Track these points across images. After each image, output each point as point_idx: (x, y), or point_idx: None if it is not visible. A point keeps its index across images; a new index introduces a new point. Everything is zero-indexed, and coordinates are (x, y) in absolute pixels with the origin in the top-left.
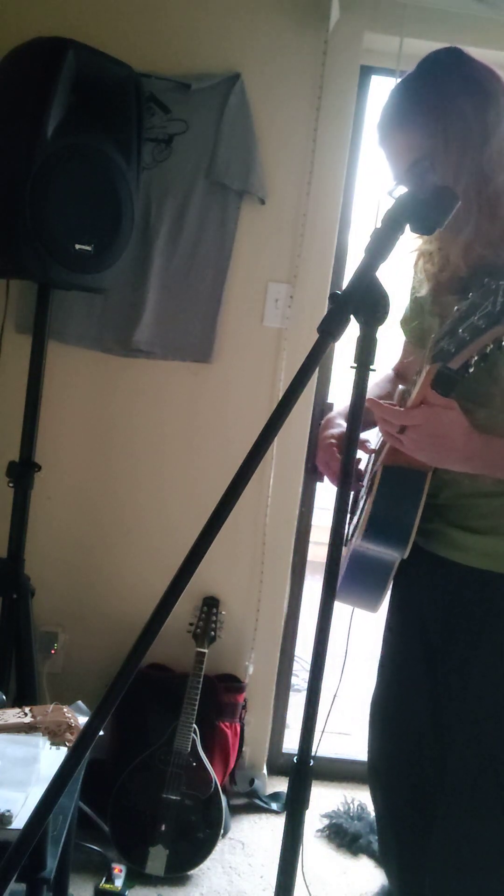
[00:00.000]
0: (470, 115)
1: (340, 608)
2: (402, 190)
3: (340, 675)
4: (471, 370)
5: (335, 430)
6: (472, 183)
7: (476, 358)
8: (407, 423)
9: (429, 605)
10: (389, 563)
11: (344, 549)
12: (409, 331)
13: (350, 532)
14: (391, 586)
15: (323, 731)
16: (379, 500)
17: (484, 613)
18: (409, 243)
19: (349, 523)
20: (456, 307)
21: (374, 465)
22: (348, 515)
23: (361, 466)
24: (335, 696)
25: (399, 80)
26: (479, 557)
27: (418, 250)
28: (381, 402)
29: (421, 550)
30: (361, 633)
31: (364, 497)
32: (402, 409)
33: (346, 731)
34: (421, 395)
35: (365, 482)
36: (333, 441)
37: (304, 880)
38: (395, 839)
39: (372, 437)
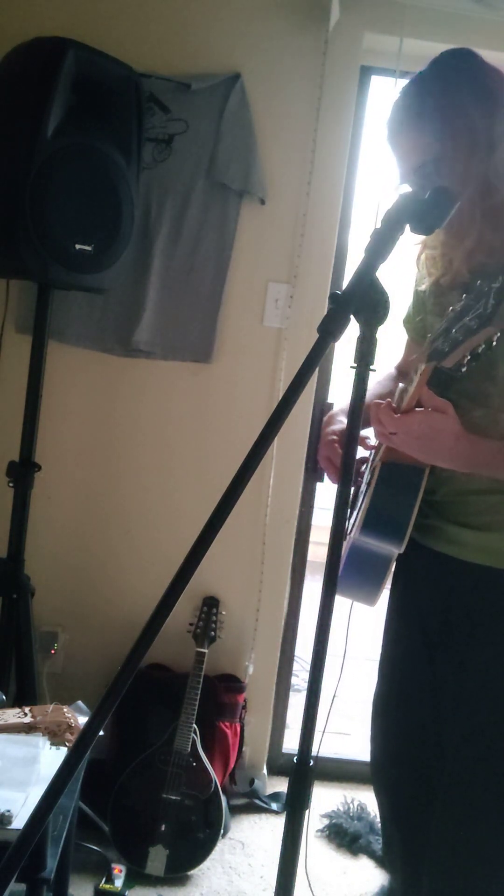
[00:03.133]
0: (478, 123)
1: (339, 608)
2: (407, 188)
3: (339, 674)
4: (463, 369)
5: (336, 427)
6: (477, 191)
7: (468, 357)
8: (399, 431)
9: (427, 601)
10: (387, 557)
11: (344, 543)
12: (411, 328)
13: (350, 526)
14: (390, 581)
15: (324, 732)
16: (377, 495)
17: (480, 608)
18: (412, 241)
19: (349, 517)
20: (451, 307)
21: (373, 460)
22: (349, 511)
23: (362, 463)
24: (334, 696)
25: (411, 77)
26: (475, 552)
27: (421, 245)
28: (380, 402)
29: (419, 546)
30: (361, 633)
31: (364, 492)
32: (398, 414)
33: (346, 731)
34: (417, 394)
35: (365, 478)
36: (335, 437)
37: (308, 880)
38: (398, 836)
39: (372, 433)
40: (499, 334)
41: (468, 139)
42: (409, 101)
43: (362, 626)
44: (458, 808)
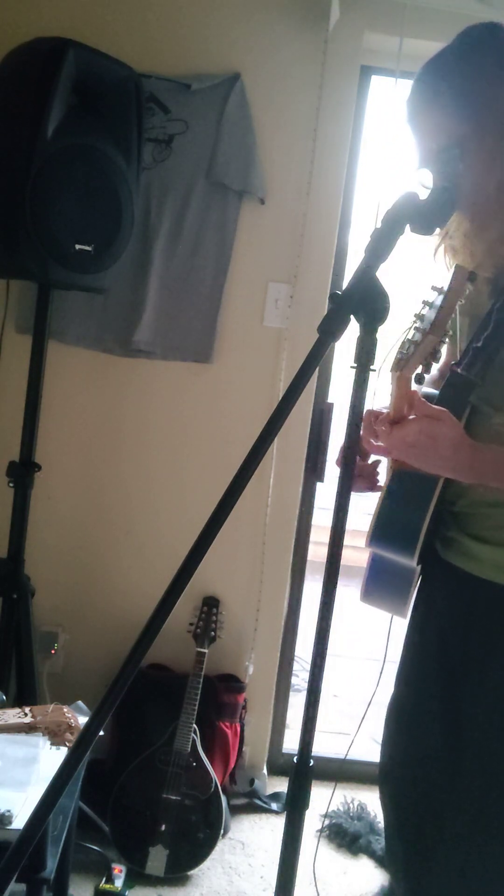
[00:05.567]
0: None
1: (346, 609)
2: (427, 173)
3: (378, 680)
4: (423, 381)
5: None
6: (503, 179)
7: (420, 369)
8: (391, 445)
9: (447, 616)
10: (407, 569)
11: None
12: None
13: None
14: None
15: (355, 735)
16: (386, 504)
17: (497, 629)
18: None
19: None
20: (414, 314)
21: (387, 467)
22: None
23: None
24: (370, 702)
25: (435, 52)
26: (492, 570)
27: (440, 237)
28: (373, 411)
29: (440, 559)
30: (363, 634)
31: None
32: (390, 428)
33: (347, 731)
34: (399, 403)
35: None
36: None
37: (314, 878)
38: (402, 845)
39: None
40: (446, 343)
41: (495, 121)
42: (431, 79)
43: (363, 627)
44: (469, 831)
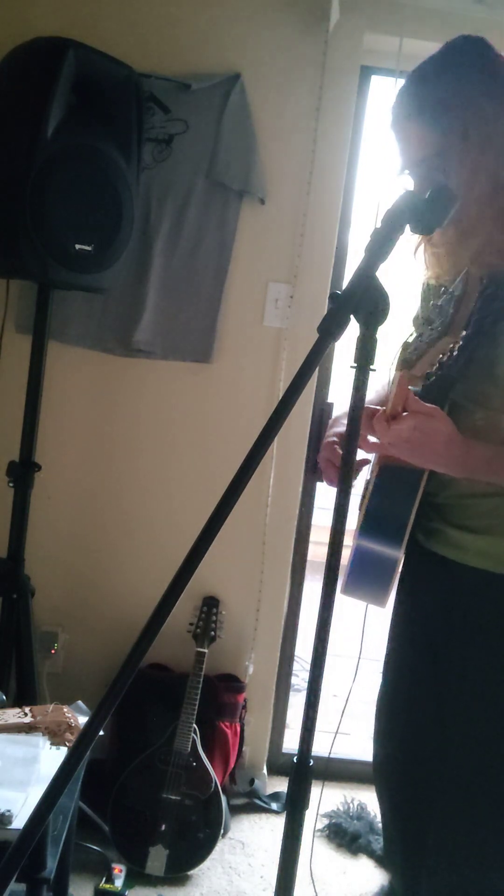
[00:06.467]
0: (490, 119)
1: (345, 609)
2: (408, 181)
3: (354, 676)
4: (432, 378)
5: (339, 429)
6: (486, 191)
7: (435, 367)
8: (388, 441)
9: (430, 604)
10: (392, 559)
11: (351, 543)
12: (416, 324)
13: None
14: (397, 583)
15: (336, 733)
16: (374, 497)
17: (481, 613)
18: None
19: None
20: (422, 316)
21: (374, 462)
22: (357, 511)
23: (367, 467)
24: (348, 698)
25: (419, 63)
26: (476, 557)
27: (423, 239)
28: (373, 408)
29: (423, 549)
30: (372, 635)
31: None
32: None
33: (346, 731)
34: (398, 402)
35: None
36: (335, 439)
37: (312, 878)
38: (399, 837)
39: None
40: (460, 343)
41: (479, 135)
42: (415, 90)
43: (369, 625)
44: (457, 812)
